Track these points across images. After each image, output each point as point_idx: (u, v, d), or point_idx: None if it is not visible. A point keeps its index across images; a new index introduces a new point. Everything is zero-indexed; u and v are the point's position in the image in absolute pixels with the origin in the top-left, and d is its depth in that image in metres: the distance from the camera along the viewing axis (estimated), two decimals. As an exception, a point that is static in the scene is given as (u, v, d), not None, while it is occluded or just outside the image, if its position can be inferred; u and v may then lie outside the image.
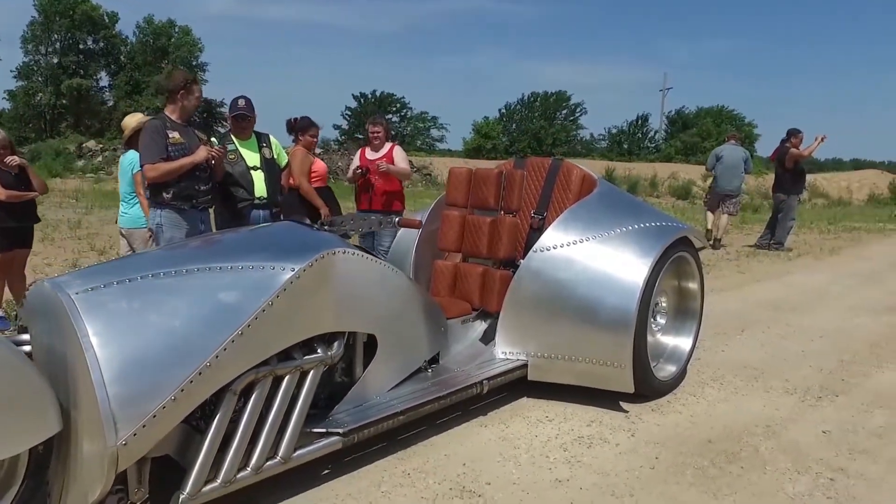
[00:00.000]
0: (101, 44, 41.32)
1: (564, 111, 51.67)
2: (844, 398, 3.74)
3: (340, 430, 2.57)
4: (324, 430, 2.57)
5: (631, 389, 3.36)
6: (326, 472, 2.71)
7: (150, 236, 4.11)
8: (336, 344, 2.63)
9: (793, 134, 9.37)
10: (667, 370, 3.71)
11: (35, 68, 40.09)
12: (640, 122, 51.83)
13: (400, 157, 5.34)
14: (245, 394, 2.31)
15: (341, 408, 2.74)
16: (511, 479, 2.71)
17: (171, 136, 3.81)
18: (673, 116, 51.38)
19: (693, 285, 3.94)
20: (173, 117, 3.91)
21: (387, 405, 2.83)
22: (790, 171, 9.38)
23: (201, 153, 3.85)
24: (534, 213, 3.96)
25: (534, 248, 3.48)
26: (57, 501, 2.14)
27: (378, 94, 48.98)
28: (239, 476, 2.26)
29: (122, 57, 41.67)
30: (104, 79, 42.51)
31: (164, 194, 3.82)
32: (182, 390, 2.06)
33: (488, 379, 3.22)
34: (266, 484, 2.44)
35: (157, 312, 2.13)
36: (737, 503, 2.57)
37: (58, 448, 2.10)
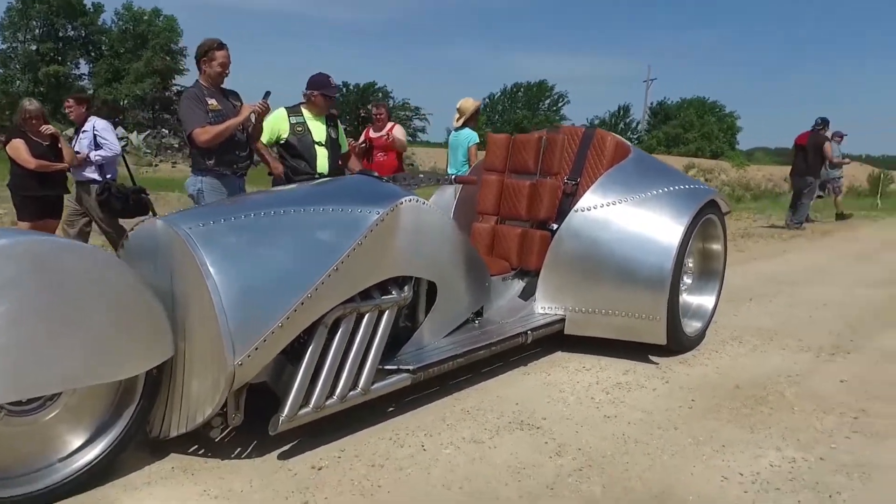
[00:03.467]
0: (80, 31, 40.64)
1: (547, 101, 51.96)
2: (856, 355, 4.00)
3: (410, 368, 2.76)
4: (395, 367, 2.75)
5: (663, 341, 3.59)
6: (391, 409, 2.90)
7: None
8: (406, 287, 2.81)
9: (824, 123, 10.23)
10: (692, 326, 3.94)
11: (12, 56, 39.41)
12: (622, 112, 52.36)
13: (400, 133, 5.92)
14: (332, 328, 2.49)
15: (406, 349, 2.93)
16: (564, 415, 2.93)
17: (209, 102, 3.88)
18: (655, 108, 51.97)
19: (717, 247, 4.18)
20: (206, 85, 3.96)
21: (445, 349, 3.03)
22: (821, 158, 10.17)
23: (245, 110, 3.94)
24: (567, 179, 4.15)
25: (574, 208, 3.68)
26: (160, 425, 2.30)
27: (360, 84, 48.86)
28: (327, 403, 2.44)
29: (102, 46, 41.01)
30: (83, 66, 41.89)
31: (207, 161, 3.89)
32: (287, 318, 2.24)
33: (532, 330, 3.42)
34: (341, 417, 2.61)
35: (263, 247, 2.31)
36: (772, 436, 2.80)
37: (168, 373, 2.26)
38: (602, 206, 3.66)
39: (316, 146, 4.35)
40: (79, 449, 2.10)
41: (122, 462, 2.24)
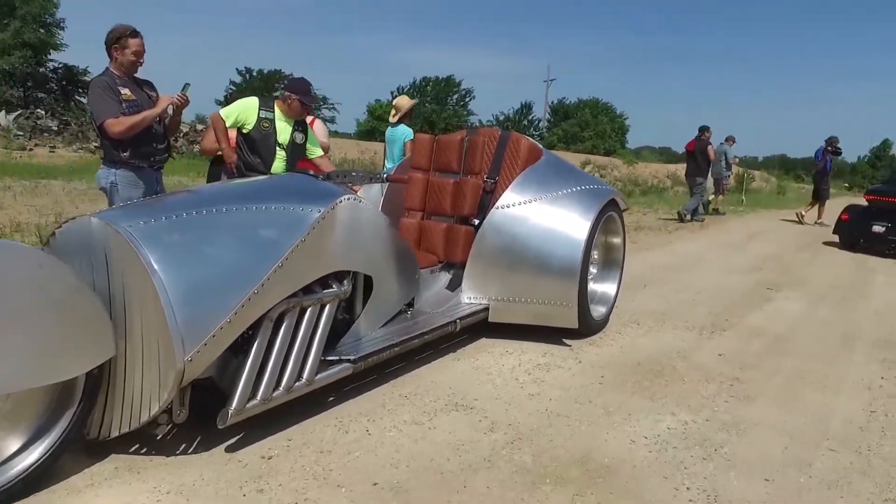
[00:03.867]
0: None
1: (455, 96, 52.63)
2: (731, 332, 4.57)
3: (351, 358, 2.90)
4: (337, 358, 2.89)
5: (576, 325, 3.94)
6: (332, 398, 3.03)
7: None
8: (346, 281, 2.94)
9: (705, 129, 11.57)
10: (599, 311, 4.34)
11: None
12: (525, 110, 53.98)
13: (320, 131, 5.56)
14: (277, 322, 2.58)
15: (345, 340, 3.06)
16: (493, 396, 3.18)
17: (122, 92, 3.72)
18: (556, 106, 54.03)
19: (617, 240, 4.61)
20: (118, 73, 3.78)
21: (382, 339, 3.18)
22: (707, 160, 11.53)
23: (164, 101, 3.83)
24: (486, 178, 4.41)
25: (495, 206, 3.94)
26: (98, 426, 2.30)
27: (265, 71, 47.26)
28: (274, 395, 2.54)
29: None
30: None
31: (122, 153, 3.73)
32: (235, 314, 2.32)
33: (460, 318, 3.65)
34: (287, 407, 2.72)
35: (208, 245, 2.36)
36: (668, 403, 3.21)
37: (108, 373, 2.26)
38: (520, 203, 3.95)
39: (277, 147, 4.24)
40: (13, 455, 2.05)
41: (60, 466, 2.20)
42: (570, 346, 4.00)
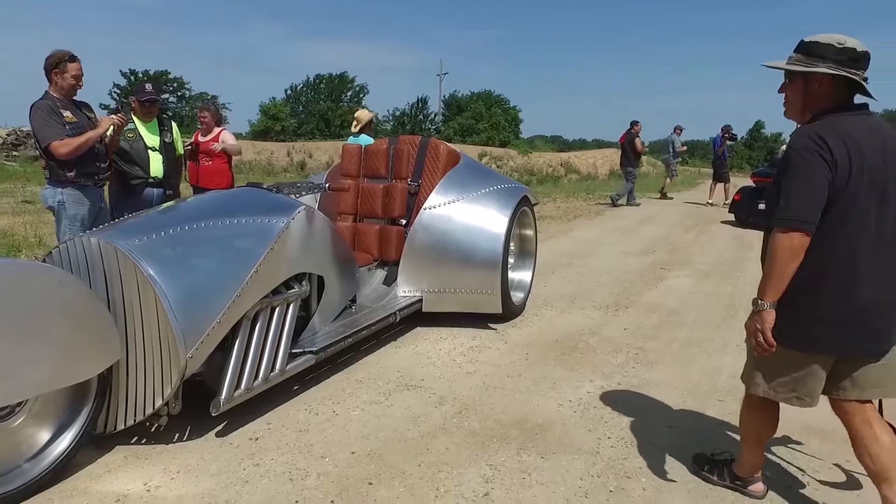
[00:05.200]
0: None
1: (349, 92, 52.32)
2: (632, 309, 5.29)
3: (314, 349, 3.26)
4: (301, 351, 3.24)
5: (499, 310, 4.48)
6: (296, 387, 3.38)
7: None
8: (304, 282, 3.30)
9: (634, 123, 13.16)
10: (517, 297, 4.90)
11: None
12: (420, 104, 54.52)
13: (229, 139, 5.87)
14: (253, 321, 2.91)
15: (305, 335, 3.41)
16: (436, 375, 3.65)
17: (64, 114, 3.90)
18: (448, 100, 54.96)
19: (530, 232, 5.20)
20: (59, 97, 3.95)
21: (336, 332, 3.56)
22: (634, 151, 13.03)
23: (105, 122, 4.03)
24: (410, 181, 4.85)
25: (423, 207, 4.39)
26: (104, 421, 2.57)
27: (151, 72, 44.88)
28: (255, 384, 2.87)
29: None
30: None
31: (67, 172, 3.90)
32: (223, 314, 2.64)
33: (399, 310, 4.08)
34: (261, 397, 3.04)
35: (195, 256, 2.66)
36: (585, 372, 3.80)
37: (114, 373, 2.52)
38: (444, 204, 4.43)
39: (149, 151, 4.58)
40: (43, 448, 2.32)
41: (77, 459, 2.46)
42: (495, 329, 4.54)
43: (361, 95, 52.79)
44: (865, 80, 2.07)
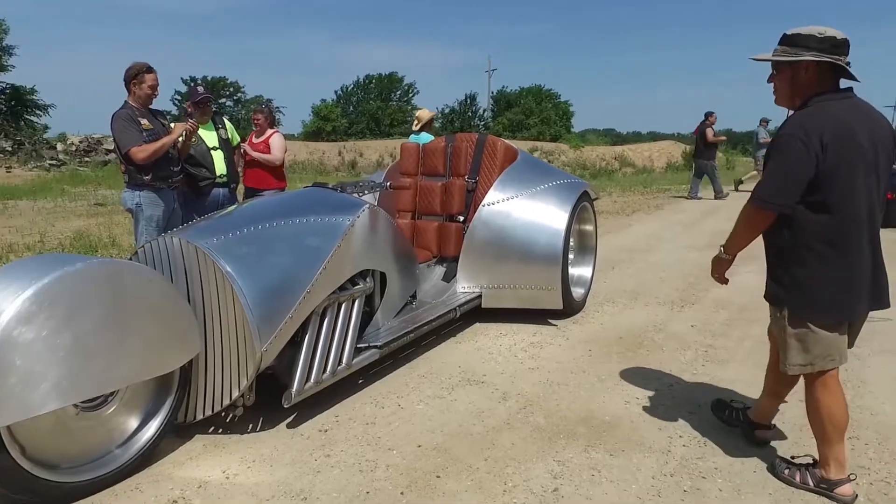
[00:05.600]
0: None
1: (399, 92, 52.80)
2: (698, 305, 5.16)
3: (378, 344, 3.32)
4: (366, 345, 3.30)
5: (560, 306, 4.44)
6: (361, 381, 3.44)
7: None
8: (368, 278, 3.35)
9: (709, 114, 12.61)
10: (578, 293, 4.85)
11: None
12: (468, 101, 54.56)
13: (276, 145, 5.81)
14: (321, 317, 2.98)
15: (368, 331, 3.47)
16: (498, 371, 3.65)
17: (142, 122, 4.12)
18: (497, 96, 54.78)
19: (590, 228, 5.13)
20: (136, 105, 4.18)
21: (398, 327, 3.61)
22: (706, 142, 12.51)
23: (178, 129, 4.23)
24: (468, 178, 4.86)
25: (482, 203, 4.40)
26: (184, 411, 2.68)
27: (209, 77, 46.57)
28: (324, 377, 2.94)
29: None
30: None
31: (144, 176, 4.13)
32: (295, 310, 2.72)
33: (459, 306, 4.10)
34: (328, 391, 3.11)
35: (268, 254, 2.75)
36: (653, 370, 3.73)
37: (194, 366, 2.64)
38: (503, 200, 4.42)
39: (212, 151, 4.76)
40: (132, 436, 2.45)
41: (160, 446, 2.59)
42: (556, 325, 4.51)
43: (410, 94, 53.25)
44: (848, 64, 2.21)
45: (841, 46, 2.20)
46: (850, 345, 2.41)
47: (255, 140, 6.00)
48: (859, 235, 2.21)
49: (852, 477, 2.37)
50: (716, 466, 2.62)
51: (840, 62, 2.19)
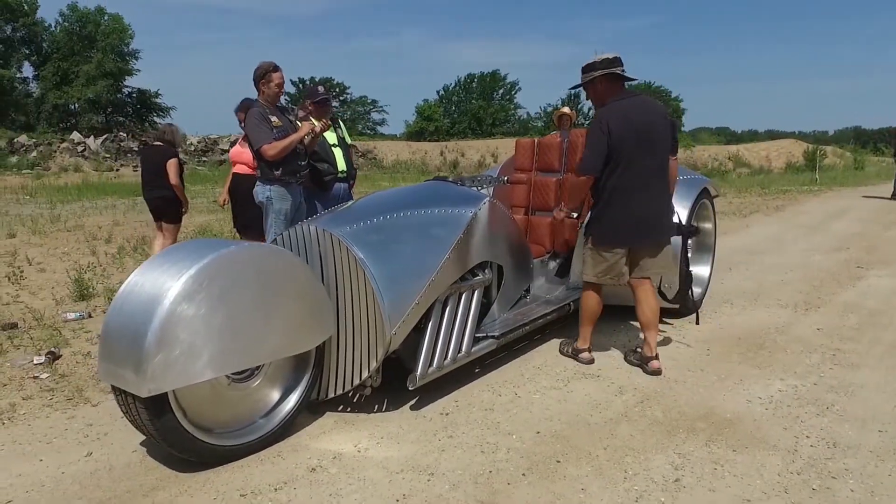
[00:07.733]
0: (21, 32, 39.03)
1: (501, 90, 52.84)
2: (824, 309, 4.87)
3: (496, 334, 3.42)
4: (484, 335, 3.41)
5: (676, 305, 4.34)
6: (478, 370, 3.56)
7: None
8: (487, 270, 3.46)
9: None
10: (695, 292, 4.71)
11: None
12: (573, 98, 53.60)
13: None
14: (444, 305, 3.12)
15: (486, 321, 3.58)
16: (614, 366, 3.64)
17: (272, 120, 4.43)
18: (603, 93, 53.40)
19: (709, 226, 4.97)
20: (266, 103, 4.46)
21: (514, 319, 3.69)
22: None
23: (306, 127, 4.50)
24: (582, 174, 4.87)
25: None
26: (317, 388, 2.90)
27: (317, 78, 48.87)
28: (445, 363, 3.08)
29: (45, 45, 39.54)
30: (27, 69, 40.27)
31: (275, 171, 4.42)
32: (421, 296, 2.87)
33: (573, 301, 4.11)
34: (447, 377, 3.25)
35: (396, 243, 2.93)
36: (775, 371, 3.58)
37: (327, 346, 2.86)
38: (619, 195, 4.38)
39: (332, 148, 4.97)
40: (274, 408, 2.70)
41: (297, 420, 2.83)
42: (672, 324, 4.42)
43: (513, 92, 53.11)
44: (623, 71, 3.39)
45: (614, 62, 3.36)
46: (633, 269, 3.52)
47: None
48: (637, 191, 3.33)
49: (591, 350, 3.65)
50: (846, 468, 2.51)
51: (617, 70, 3.36)
